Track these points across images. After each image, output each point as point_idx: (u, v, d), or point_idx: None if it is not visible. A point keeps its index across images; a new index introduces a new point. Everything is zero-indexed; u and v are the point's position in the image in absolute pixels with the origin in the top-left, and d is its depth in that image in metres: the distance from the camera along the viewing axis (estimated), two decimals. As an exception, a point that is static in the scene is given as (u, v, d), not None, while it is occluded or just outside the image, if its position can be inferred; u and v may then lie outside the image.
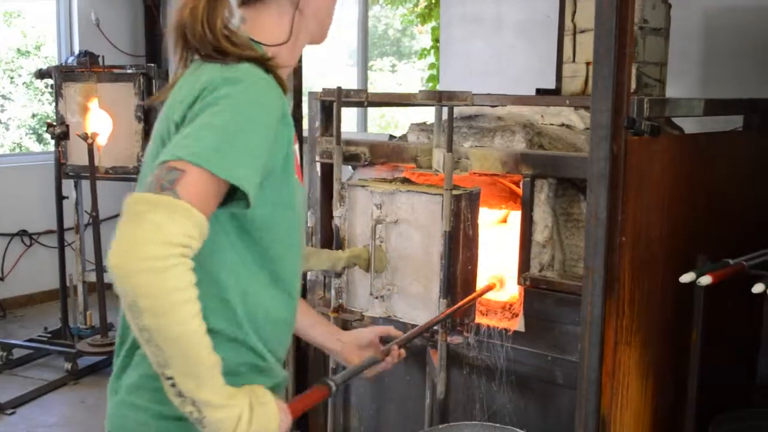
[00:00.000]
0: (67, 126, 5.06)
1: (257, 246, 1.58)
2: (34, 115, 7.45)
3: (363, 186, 2.95)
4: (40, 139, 7.45)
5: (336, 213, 3.03)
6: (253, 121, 1.47)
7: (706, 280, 2.56)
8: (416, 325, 2.89)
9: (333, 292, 3.06)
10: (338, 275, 3.00)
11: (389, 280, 2.89)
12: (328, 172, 3.35)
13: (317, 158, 3.35)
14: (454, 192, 2.74)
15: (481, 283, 2.93)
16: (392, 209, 2.86)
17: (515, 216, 3.05)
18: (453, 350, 2.96)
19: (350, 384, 3.36)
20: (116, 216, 5.37)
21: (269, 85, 1.54)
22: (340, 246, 3.01)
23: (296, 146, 1.69)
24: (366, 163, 3.22)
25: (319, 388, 1.78)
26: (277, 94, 1.55)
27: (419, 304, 2.84)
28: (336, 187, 3.05)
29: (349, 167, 3.43)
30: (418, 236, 2.82)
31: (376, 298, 2.91)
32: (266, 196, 1.53)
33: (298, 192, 1.66)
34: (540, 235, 2.82)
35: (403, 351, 2.06)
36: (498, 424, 2.87)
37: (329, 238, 3.30)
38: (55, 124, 5.10)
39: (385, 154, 3.16)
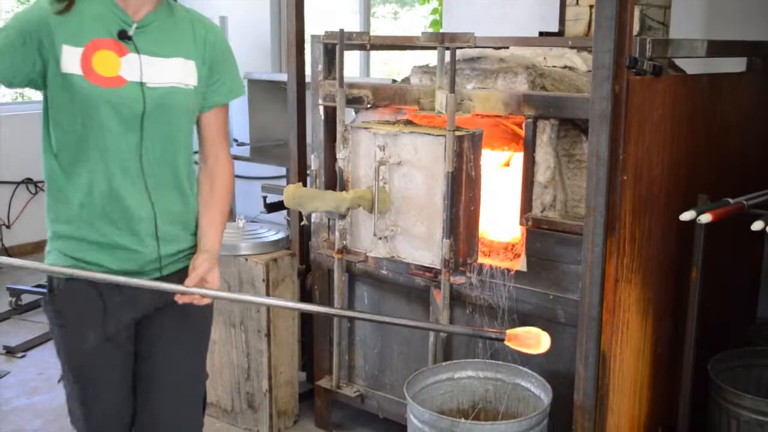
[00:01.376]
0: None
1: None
2: (35, 64, 7.43)
3: (366, 128, 2.97)
4: (42, 88, 7.44)
5: (339, 155, 3.05)
6: None
7: (706, 218, 2.59)
8: (420, 266, 2.94)
9: (337, 233, 3.09)
10: (342, 217, 3.03)
11: (393, 221, 2.92)
12: (331, 115, 3.37)
13: (320, 101, 3.35)
14: (457, 133, 2.76)
15: (483, 223, 2.96)
16: (395, 151, 2.88)
17: (517, 159, 3.07)
18: (456, 290, 3.01)
19: (355, 325, 3.41)
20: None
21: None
22: (343, 188, 3.04)
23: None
24: (369, 106, 3.23)
25: None
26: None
27: (422, 244, 2.87)
28: (339, 129, 3.06)
29: (352, 111, 3.44)
30: (421, 177, 2.84)
31: (380, 239, 2.94)
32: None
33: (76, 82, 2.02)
34: (542, 176, 2.84)
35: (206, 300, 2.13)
36: (500, 362, 2.93)
37: (333, 180, 3.32)
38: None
39: (388, 96, 3.17)
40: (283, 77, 5.43)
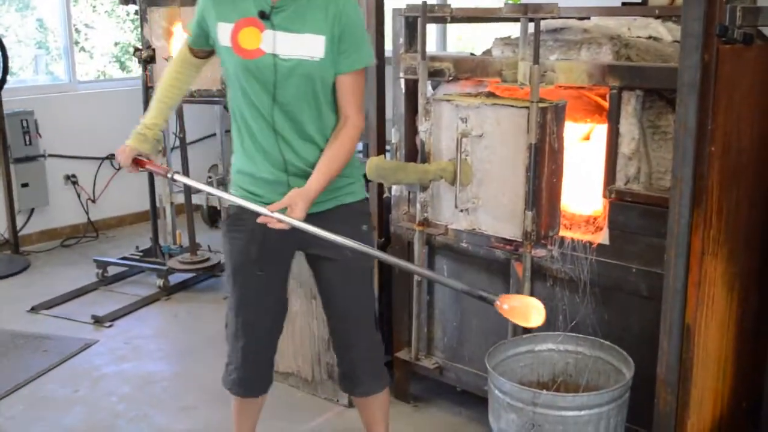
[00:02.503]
0: (153, 50, 5.16)
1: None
2: (116, 43, 7.61)
3: (448, 100, 2.97)
4: (122, 67, 7.63)
5: (421, 128, 3.06)
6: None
7: (797, 190, 2.53)
8: (501, 238, 2.94)
9: (418, 206, 3.11)
10: (424, 189, 3.05)
11: (474, 193, 2.93)
12: (412, 88, 3.38)
13: (401, 75, 3.36)
14: (540, 105, 2.74)
15: (564, 196, 2.94)
16: (478, 123, 2.88)
17: (599, 131, 3.03)
18: (537, 263, 3.00)
19: (434, 298, 3.43)
20: (202, 138, 5.63)
21: None
22: (425, 160, 3.05)
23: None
24: (450, 78, 3.23)
25: None
26: None
27: (504, 216, 2.87)
28: (421, 102, 3.07)
29: (429, 85, 3.44)
30: (504, 149, 2.83)
31: (462, 211, 2.95)
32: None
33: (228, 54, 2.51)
34: (626, 147, 2.81)
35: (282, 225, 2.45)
36: (581, 335, 2.92)
37: (413, 153, 3.34)
38: (141, 48, 5.21)
39: (470, 68, 3.16)
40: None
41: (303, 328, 3.64)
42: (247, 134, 2.59)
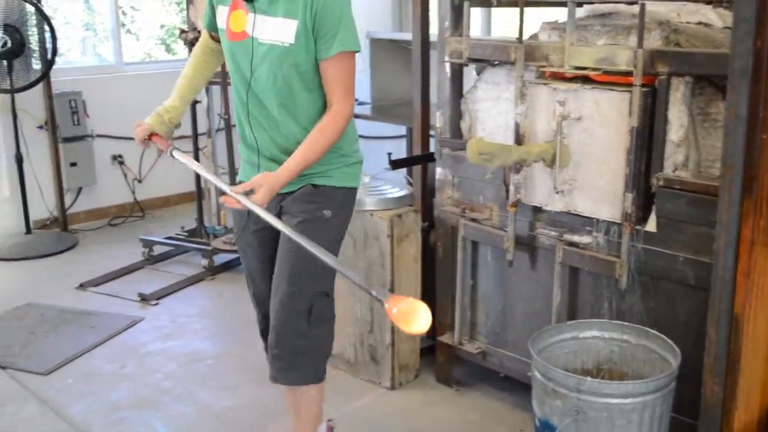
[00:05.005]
0: (199, 32, 5.19)
1: None
2: (162, 26, 7.66)
3: (545, 84, 2.98)
4: (168, 49, 7.69)
5: (517, 110, 3.03)
6: None
7: None
8: (596, 219, 2.94)
9: (512, 187, 3.08)
10: (517, 171, 3.04)
11: (571, 175, 2.94)
12: (457, 72, 3.37)
13: (446, 59, 3.35)
14: (643, 89, 2.73)
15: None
16: (576, 106, 2.89)
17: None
18: (582, 250, 2.98)
19: (477, 282, 3.43)
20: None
21: None
22: (519, 143, 3.03)
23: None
24: (496, 63, 3.21)
25: None
26: None
27: (602, 198, 2.88)
28: (517, 84, 3.02)
29: (473, 71, 3.43)
30: (603, 132, 2.85)
31: (558, 193, 2.95)
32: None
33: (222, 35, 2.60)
34: (675, 134, 2.78)
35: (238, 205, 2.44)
36: (626, 323, 2.90)
37: (458, 137, 3.34)
38: (186, 30, 5.25)
39: (515, 53, 3.14)
40: (404, 36, 5.45)
41: (345, 310, 3.67)
42: (234, 114, 2.71)
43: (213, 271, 5.08)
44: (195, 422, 3.41)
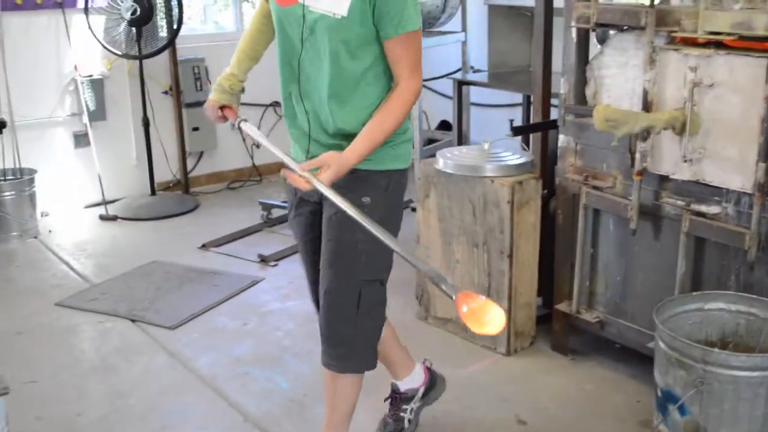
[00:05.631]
0: None
1: None
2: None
3: (676, 50, 2.91)
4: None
5: (645, 77, 2.98)
6: None
7: None
8: (725, 189, 2.88)
9: (638, 155, 3.03)
10: (644, 138, 3.00)
11: (700, 143, 2.88)
12: (583, 37, 3.32)
13: (573, 24, 3.31)
14: None
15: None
16: (708, 73, 2.82)
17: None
18: (710, 221, 2.92)
19: (598, 251, 3.39)
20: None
21: None
22: (647, 110, 2.98)
23: None
24: (625, 28, 3.15)
25: None
26: None
27: (732, 168, 2.81)
28: (647, 50, 2.97)
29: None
30: (736, 99, 2.77)
31: (686, 161, 2.90)
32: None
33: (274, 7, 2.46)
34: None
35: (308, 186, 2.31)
36: (755, 296, 2.83)
37: (582, 104, 3.30)
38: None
39: (645, 18, 3.07)
40: (523, 2, 5.40)
41: (463, 276, 3.70)
42: (281, 88, 2.54)
43: (329, 235, 5.17)
44: (314, 381, 3.49)
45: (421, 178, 3.85)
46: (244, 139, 6.54)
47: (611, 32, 3.29)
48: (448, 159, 3.69)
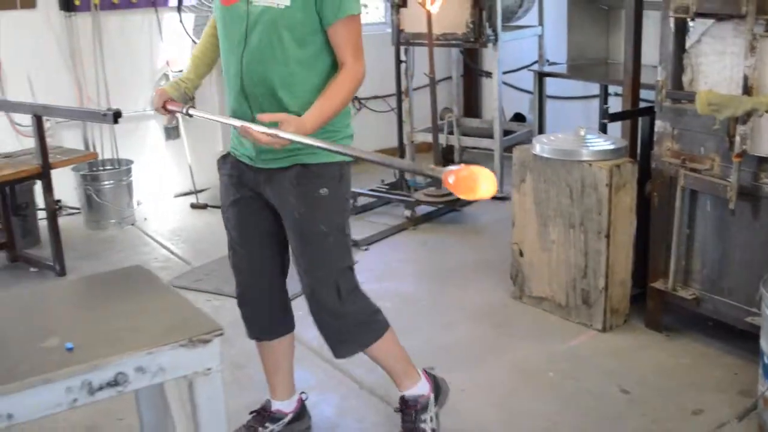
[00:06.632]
0: (404, -4, 5.47)
1: None
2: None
3: None
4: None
5: (746, 63, 3.11)
6: None
7: None
8: None
9: (738, 138, 3.15)
10: (744, 122, 3.12)
11: None
12: (680, 26, 3.47)
13: (671, 13, 3.45)
14: None
15: None
16: None
17: None
18: (810, 198, 3.05)
19: (695, 231, 3.53)
20: (445, 78, 5.86)
21: None
22: (747, 94, 3.10)
23: None
24: (723, 17, 3.29)
25: None
26: None
27: None
28: (747, 37, 3.09)
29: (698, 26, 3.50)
30: None
31: None
32: None
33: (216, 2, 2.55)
34: None
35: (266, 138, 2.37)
36: None
37: (677, 90, 3.45)
38: (394, -6, 5.53)
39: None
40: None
41: (559, 255, 3.87)
42: (225, 86, 2.62)
43: (415, 221, 5.37)
44: (415, 354, 3.66)
45: (516, 163, 4.02)
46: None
47: (702, 22, 3.41)
48: (545, 144, 3.87)
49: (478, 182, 1.93)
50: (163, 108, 2.70)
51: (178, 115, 2.70)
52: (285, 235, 2.74)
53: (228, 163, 2.77)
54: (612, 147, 3.75)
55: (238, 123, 2.43)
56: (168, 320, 1.95)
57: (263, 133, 2.33)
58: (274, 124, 2.36)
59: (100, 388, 1.69)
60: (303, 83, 2.52)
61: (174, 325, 1.88)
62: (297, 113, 2.46)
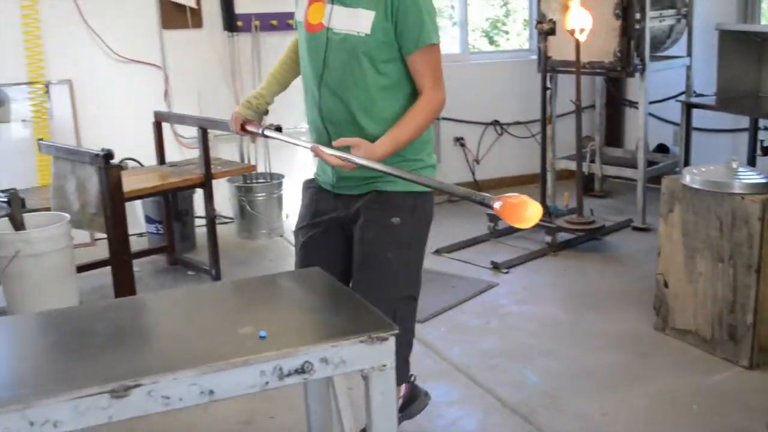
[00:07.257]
0: (554, 22, 5.55)
1: None
2: (487, 19, 8.10)
3: None
4: (491, 41, 8.10)
5: None
6: None
7: None
8: None
9: None
10: None
11: None
12: None
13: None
14: None
15: None
16: None
17: None
18: None
19: None
20: (589, 107, 5.96)
21: None
22: None
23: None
24: None
25: None
26: None
27: None
28: None
29: None
30: None
31: None
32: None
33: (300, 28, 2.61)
34: None
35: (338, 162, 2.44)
36: None
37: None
38: (542, 21, 5.62)
39: None
40: (755, 27, 5.47)
41: (706, 288, 3.84)
42: (306, 108, 2.68)
43: (556, 248, 5.41)
44: (564, 377, 3.71)
45: (665, 193, 4.03)
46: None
47: None
48: (695, 175, 3.86)
49: (524, 210, 2.01)
50: (242, 129, 2.80)
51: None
52: (350, 265, 2.72)
53: (311, 187, 2.83)
54: (765, 181, 3.72)
55: (308, 144, 2.54)
56: (348, 318, 2.11)
57: (332, 155, 2.41)
58: (347, 148, 2.43)
59: (289, 374, 1.85)
60: (384, 110, 2.54)
61: (354, 323, 2.04)
62: (377, 139, 2.50)
